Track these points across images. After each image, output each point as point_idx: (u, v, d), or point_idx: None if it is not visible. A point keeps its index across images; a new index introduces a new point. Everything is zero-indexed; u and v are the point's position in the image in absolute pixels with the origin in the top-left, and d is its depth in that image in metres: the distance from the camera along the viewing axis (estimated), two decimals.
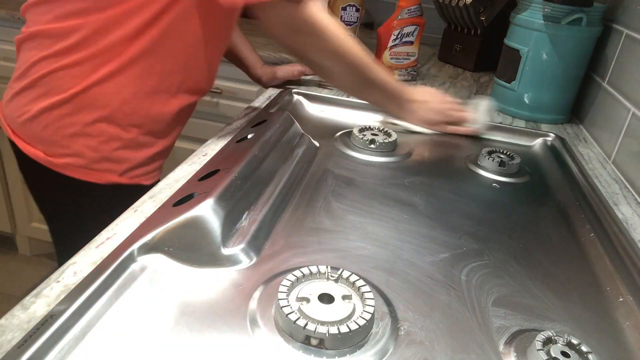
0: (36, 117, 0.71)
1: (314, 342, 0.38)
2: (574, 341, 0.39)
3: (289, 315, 0.38)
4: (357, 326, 0.38)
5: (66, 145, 0.72)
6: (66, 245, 0.89)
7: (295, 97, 0.93)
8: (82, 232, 0.83)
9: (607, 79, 0.90)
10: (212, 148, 0.68)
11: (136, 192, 0.80)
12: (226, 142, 0.69)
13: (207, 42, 0.74)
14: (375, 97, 0.83)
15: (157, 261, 0.46)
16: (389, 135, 0.78)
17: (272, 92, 0.95)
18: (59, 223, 0.86)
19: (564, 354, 0.38)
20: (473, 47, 1.28)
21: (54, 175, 0.75)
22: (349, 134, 0.79)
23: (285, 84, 1.02)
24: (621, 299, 0.49)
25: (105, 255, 0.44)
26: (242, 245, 0.48)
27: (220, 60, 0.82)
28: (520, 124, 0.93)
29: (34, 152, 0.74)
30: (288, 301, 0.40)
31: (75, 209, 0.82)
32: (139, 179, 0.79)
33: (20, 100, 0.72)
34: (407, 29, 1.08)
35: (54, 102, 0.70)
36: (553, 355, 0.38)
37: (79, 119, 0.71)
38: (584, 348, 0.39)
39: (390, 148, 0.76)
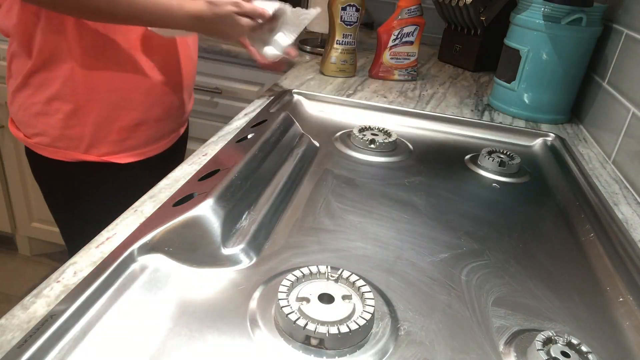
0: (13, 101, 0.76)
1: (314, 342, 0.38)
2: (574, 341, 0.39)
3: (289, 315, 0.38)
4: (357, 326, 0.38)
5: (33, 125, 0.76)
6: (69, 240, 0.90)
7: (295, 97, 0.93)
8: (77, 216, 0.84)
9: (607, 79, 0.90)
10: (212, 148, 0.68)
11: (110, 171, 0.80)
12: (226, 142, 0.69)
13: None
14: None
15: (157, 261, 0.46)
16: (389, 135, 0.78)
17: (272, 92, 0.95)
18: (57, 212, 0.87)
19: (564, 354, 0.38)
20: (473, 47, 1.28)
21: (39, 159, 0.78)
22: (349, 134, 0.79)
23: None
24: (621, 299, 0.49)
25: (105, 255, 0.44)
26: (242, 245, 0.48)
27: None
28: (520, 124, 0.93)
29: (17, 133, 0.79)
30: (288, 301, 0.40)
31: (59, 190, 0.83)
32: (109, 157, 0.79)
33: (8, 89, 0.78)
34: (407, 29, 1.08)
35: (17, 85, 0.74)
36: (553, 355, 0.38)
37: (37, 99, 0.74)
38: (584, 348, 0.39)
39: (390, 148, 0.76)
